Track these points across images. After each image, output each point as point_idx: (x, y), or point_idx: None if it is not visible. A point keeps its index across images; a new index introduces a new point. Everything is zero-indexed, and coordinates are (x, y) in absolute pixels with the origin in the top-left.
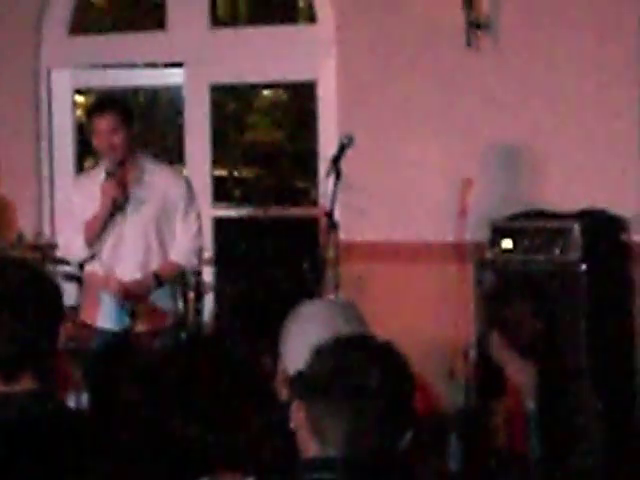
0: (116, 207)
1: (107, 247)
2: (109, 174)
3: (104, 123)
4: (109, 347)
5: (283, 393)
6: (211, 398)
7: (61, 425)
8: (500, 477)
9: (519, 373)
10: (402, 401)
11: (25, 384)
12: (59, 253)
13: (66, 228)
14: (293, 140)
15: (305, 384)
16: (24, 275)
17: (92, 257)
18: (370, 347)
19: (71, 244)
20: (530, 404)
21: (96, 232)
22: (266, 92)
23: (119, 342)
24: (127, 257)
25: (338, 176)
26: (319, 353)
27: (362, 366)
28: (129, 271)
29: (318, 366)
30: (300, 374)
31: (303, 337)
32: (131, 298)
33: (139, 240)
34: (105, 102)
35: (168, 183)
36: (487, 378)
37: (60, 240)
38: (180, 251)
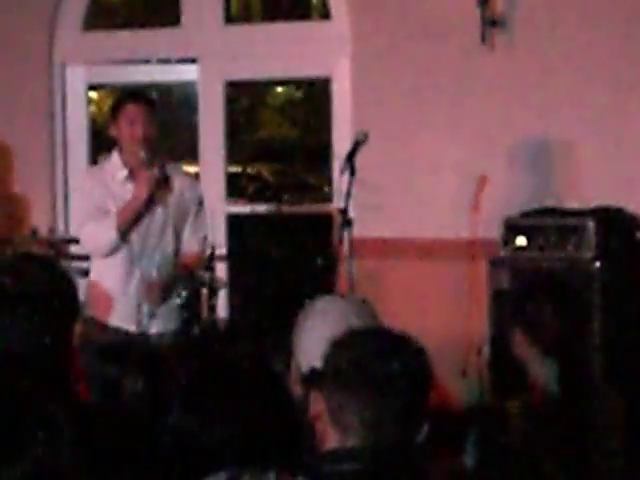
0: (153, 198)
1: (136, 241)
2: (147, 164)
3: (141, 111)
4: (121, 346)
5: (296, 390)
6: (224, 394)
7: (77, 419)
8: (516, 475)
9: (542, 370)
10: (421, 392)
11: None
12: (84, 246)
13: (89, 220)
14: (307, 137)
15: (325, 375)
16: (41, 271)
17: (114, 251)
18: (390, 337)
19: (99, 235)
20: (552, 401)
21: (130, 222)
22: (280, 89)
23: (133, 342)
24: (158, 254)
25: (352, 173)
26: (338, 344)
27: (383, 356)
28: (158, 267)
29: (338, 357)
30: (314, 370)
31: (316, 334)
32: (154, 299)
33: (157, 240)
34: (138, 93)
35: (184, 186)
36: (504, 375)
37: (84, 232)
38: (189, 254)
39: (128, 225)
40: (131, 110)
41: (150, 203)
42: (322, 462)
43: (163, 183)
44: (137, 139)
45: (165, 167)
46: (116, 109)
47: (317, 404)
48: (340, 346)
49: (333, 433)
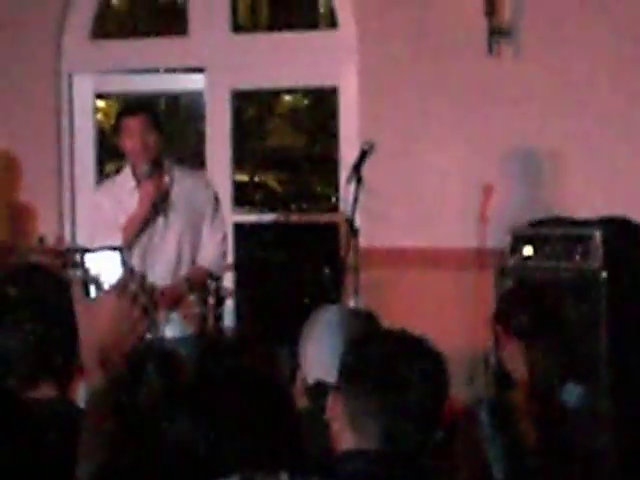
0: (156, 209)
1: (138, 252)
2: (147, 175)
3: (137, 123)
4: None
5: (301, 401)
6: (230, 404)
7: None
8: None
9: (516, 360)
10: (438, 397)
11: (44, 392)
12: None
13: (99, 234)
14: (314, 146)
15: (343, 375)
16: (46, 282)
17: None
18: (409, 340)
19: None
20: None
21: (134, 234)
22: (287, 98)
23: (152, 348)
24: (159, 263)
25: (359, 182)
26: (358, 344)
27: (403, 360)
28: (160, 277)
29: (358, 358)
30: (320, 383)
31: (322, 346)
32: (166, 305)
33: (171, 246)
34: (136, 104)
35: (196, 189)
36: (510, 384)
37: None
38: (208, 256)
39: (134, 237)
40: (128, 124)
41: (154, 213)
42: (337, 463)
43: (164, 193)
44: (136, 152)
45: (160, 173)
46: (117, 124)
47: (336, 404)
48: (360, 347)
49: (350, 435)
